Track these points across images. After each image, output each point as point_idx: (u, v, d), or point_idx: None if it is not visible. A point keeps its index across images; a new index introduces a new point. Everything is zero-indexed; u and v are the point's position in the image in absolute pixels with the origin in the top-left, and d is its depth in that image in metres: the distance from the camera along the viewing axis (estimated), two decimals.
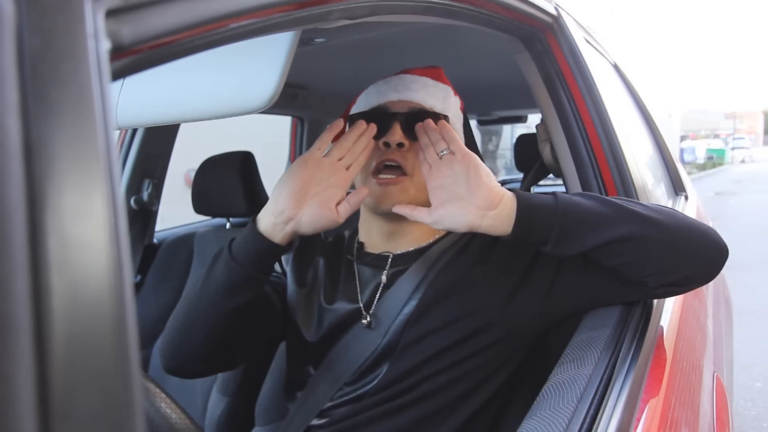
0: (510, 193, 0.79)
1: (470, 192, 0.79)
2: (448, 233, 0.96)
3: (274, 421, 1.31)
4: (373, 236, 0.97)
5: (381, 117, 0.90)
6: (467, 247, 0.92)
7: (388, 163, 0.89)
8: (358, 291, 0.94)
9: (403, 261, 0.94)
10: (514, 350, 0.90)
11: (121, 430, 0.27)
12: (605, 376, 0.73)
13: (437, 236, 0.96)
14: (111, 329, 0.27)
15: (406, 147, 0.89)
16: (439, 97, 0.95)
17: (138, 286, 1.80)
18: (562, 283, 0.86)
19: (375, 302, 0.91)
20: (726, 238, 0.85)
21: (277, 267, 1.02)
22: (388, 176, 0.89)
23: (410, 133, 0.89)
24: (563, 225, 0.77)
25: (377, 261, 0.95)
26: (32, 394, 0.24)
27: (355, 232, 1.03)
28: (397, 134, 0.89)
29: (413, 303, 0.88)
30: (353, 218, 1.00)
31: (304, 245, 1.04)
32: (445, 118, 0.93)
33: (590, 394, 0.68)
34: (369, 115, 0.90)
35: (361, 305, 0.92)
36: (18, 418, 0.24)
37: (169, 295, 1.72)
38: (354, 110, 0.96)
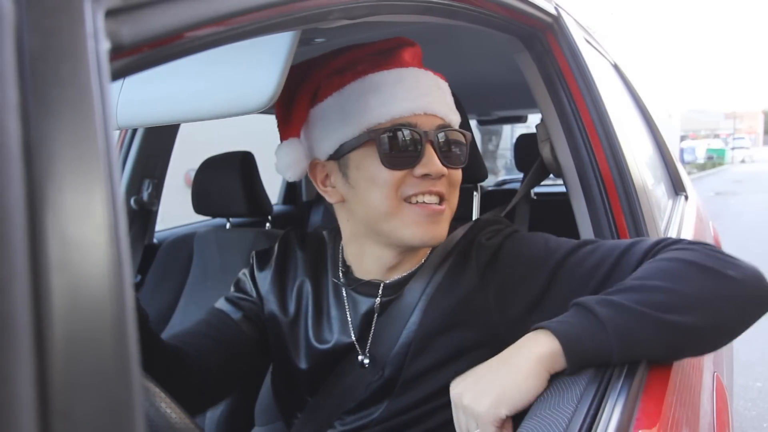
0: (543, 342, 0.66)
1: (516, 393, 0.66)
2: (434, 249, 0.87)
3: (274, 421, 1.31)
4: (366, 263, 0.85)
5: (412, 137, 0.77)
6: (464, 269, 0.82)
7: (428, 199, 0.78)
8: (350, 322, 0.85)
9: (395, 289, 0.85)
10: None
11: (121, 430, 0.27)
12: (605, 376, 0.73)
13: (425, 257, 0.87)
14: (111, 329, 0.27)
15: (445, 174, 0.79)
16: (452, 105, 0.85)
17: (138, 286, 1.80)
18: None
19: (370, 336, 0.84)
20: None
21: (260, 284, 0.92)
22: (435, 204, 0.78)
23: (444, 157, 0.79)
24: (621, 352, 0.68)
25: (367, 288, 0.86)
26: (32, 393, 0.24)
27: (337, 242, 0.92)
28: (437, 164, 0.77)
29: (411, 333, 0.81)
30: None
31: (281, 265, 0.93)
32: (465, 135, 0.84)
33: (590, 394, 0.68)
34: (398, 133, 0.77)
35: (355, 340, 0.84)
36: (18, 417, 0.24)
37: (169, 295, 1.71)
38: (368, 119, 0.78)
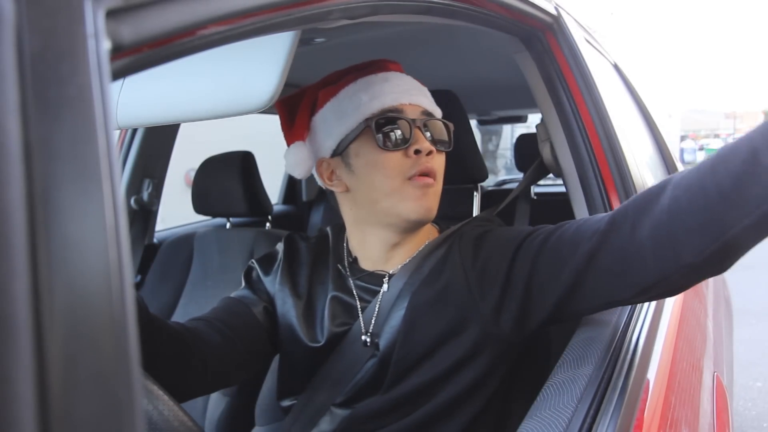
0: None
1: None
2: (429, 241, 0.93)
3: (274, 421, 1.31)
4: (369, 247, 0.94)
5: (401, 121, 0.87)
6: (449, 258, 0.89)
7: (423, 173, 0.87)
8: (359, 311, 0.92)
9: (395, 278, 0.92)
10: (507, 357, 0.89)
11: (121, 430, 0.27)
12: (605, 376, 0.73)
13: (424, 244, 0.93)
14: (111, 329, 0.27)
15: (433, 153, 0.88)
16: (432, 100, 0.94)
17: (138, 286, 1.80)
18: (538, 287, 0.81)
19: (373, 319, 0.90)
20: None
21: (268, 285, 0.99)
22: (427, 177, 0.87)
23: (430, 140, 0.89)
24: None
25: (371, 278, 0.93)
26: (32, 394, 0.24)
27: (341, 235, 1.00)
28: (426, 142, 0.87)
29: (402, 311, 0.87)
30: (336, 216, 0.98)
31: (290, 257, 1.00)
32: (447, 125, 0.93)
33: (590, 394, 0.68)
34: (388, 120, 0.87)
35: (362, 324, 0.91)
36: (18, 418, 0.24)
37: (169, 295, 1.72)
38: (361, 113, 0.87)
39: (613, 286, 0.76)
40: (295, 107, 0.96)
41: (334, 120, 0.89)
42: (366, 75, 0.91)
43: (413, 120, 0.87)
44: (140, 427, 0.28)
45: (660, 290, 0.74)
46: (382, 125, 0.86)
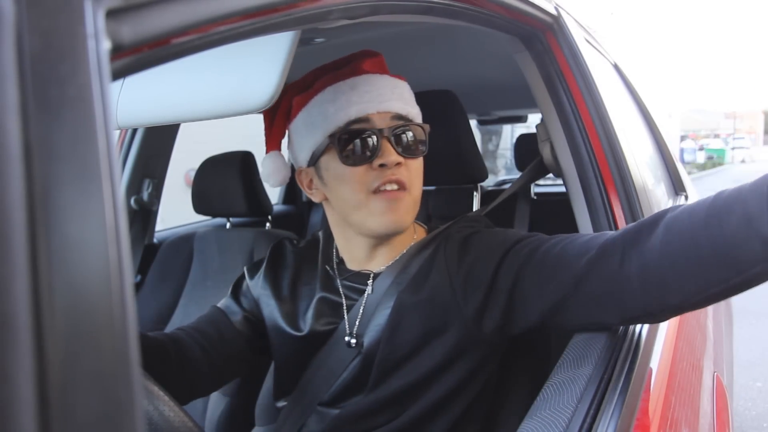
0: None
1: None
2: (416, 241, 0.94)
3: (273, 421, 1.31)
4: (353, 250, 0.94)
5: (366, 134, 0.84)
6: (435, 259, 0.89)
7: (389, 186, 0.85)
8: (343, 306, 0.92)
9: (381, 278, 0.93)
10: (492, 358, 0.90)
11: (121, 430, 0.27)
12: (605, 376, 0.73)
13: (408, 246, 0.93)
14: (111, 329, 0.27)
15: (402, 163, 0.86)
16: (410, 100, 0.91)
17: (138, 286, 1.80)
18: (521, 297, 0.82)
19: (358, 319, 0.90)
20: None
21: (253, 289, 1.00)
22: (394, 188, 0.85)
23: (400, 149, 0.86)
24: None
25: (358, 278, 0.94)
26: (32, 393, 0.24)
27: (330, 239, 1.00)
28: (392, 154, 0.84)
29: (387, 311, 0.87)
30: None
31: (273, 261, 1.02)
32: (422, 127, 0.90)
33: (590, 394, 0.68)
34: (353, 133, 0.84)
35: (347, 324, 0.91)
36: (18, 417, 0.24)
37: (169, 295, 1.72)
38: (328, 126, 0.86)
39: (598, 311, 0.77)
40: (273, 115, 0.95)
41: (305, 132, 0.88)
42: (335, 81, 0.88)
43: (380, 130, 0.84)
44: (140, 427, 0.28)
45: (645, 320, 0.79)
46: (346, 141, 0.84)
